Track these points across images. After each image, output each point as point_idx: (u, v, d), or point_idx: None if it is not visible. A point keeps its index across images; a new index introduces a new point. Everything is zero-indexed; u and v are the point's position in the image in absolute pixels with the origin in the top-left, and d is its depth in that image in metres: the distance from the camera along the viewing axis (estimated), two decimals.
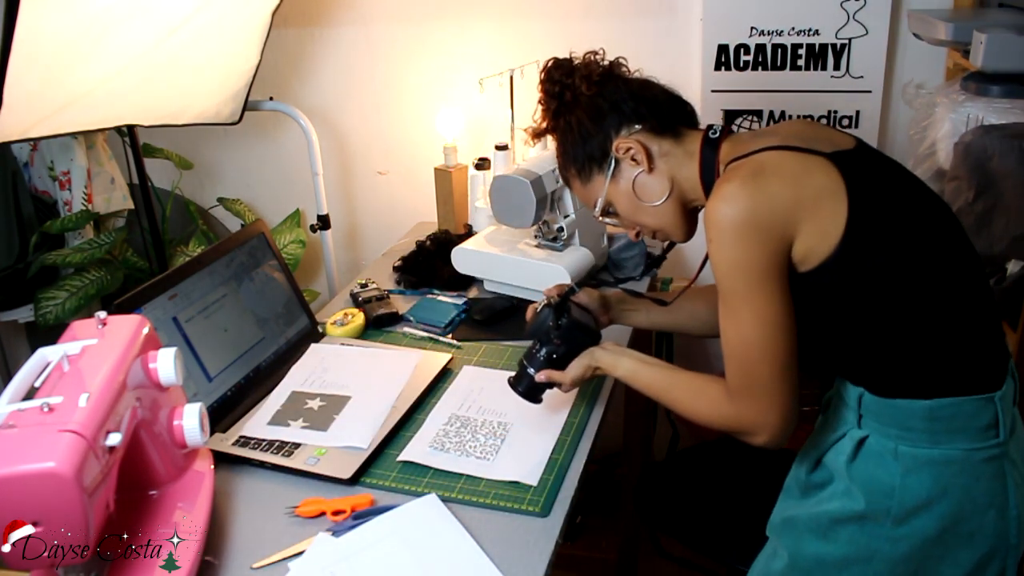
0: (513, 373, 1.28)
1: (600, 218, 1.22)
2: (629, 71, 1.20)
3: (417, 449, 1.26)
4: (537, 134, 1.25)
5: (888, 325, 1.00)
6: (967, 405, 1.01)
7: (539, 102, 1.22)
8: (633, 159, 1.14)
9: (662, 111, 1.15)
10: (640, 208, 1.17)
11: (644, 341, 1.97)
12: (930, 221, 1.03)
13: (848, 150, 1.03)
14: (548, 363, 1.22)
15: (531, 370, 1.24)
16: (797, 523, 1.14)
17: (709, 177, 1.11)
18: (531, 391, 1.25)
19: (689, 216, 1.19)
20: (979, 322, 1.03)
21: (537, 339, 1.25)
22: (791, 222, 0.97)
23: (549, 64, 1.20)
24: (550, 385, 1.24)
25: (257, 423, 1.33)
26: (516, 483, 1.18)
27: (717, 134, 1.12)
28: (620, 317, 1.38)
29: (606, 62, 1.19)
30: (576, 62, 1.19)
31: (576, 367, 1.21)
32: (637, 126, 1.14)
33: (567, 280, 1.65)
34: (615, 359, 1.19)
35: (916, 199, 1.04)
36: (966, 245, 1.06)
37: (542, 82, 1.20)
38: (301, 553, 1.06)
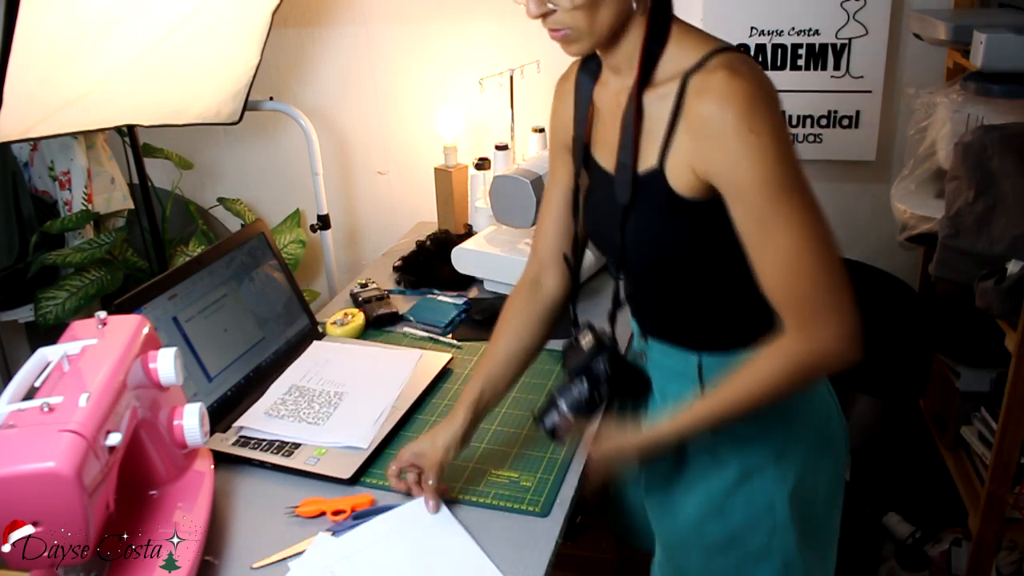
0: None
1: None
2: None
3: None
4: None
5: (745, 269, 0.93)
6: None
7: None
8: None
9: None
10: (595, 7, 0.94)
11: None
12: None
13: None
14: (581, 405, 1.09)
15: (564, 408, 1.09)
16: (688, 520, 1.10)
17: (657, 41, 0.95)
18: (555, 431, 1.11)
19: (607, 41, 0.99)
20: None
21: (582, 377, 1.10)
22: None
23: None
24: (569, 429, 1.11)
25: (254, 413, 1.33)
26: (516, 483, 1.18)
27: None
28: None
29: None
30: None
31: (604, 446, 1.07)
32: None
33: None
34: (648, 444, 1.05)
35: None
36: None
37: None
38: (301, 553, 1.06)
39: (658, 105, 0.94)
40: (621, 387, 1.11)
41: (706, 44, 0.94)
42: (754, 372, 0.95)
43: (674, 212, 0.96)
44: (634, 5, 0.95)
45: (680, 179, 0.94)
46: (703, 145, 0.90)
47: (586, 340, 1.12)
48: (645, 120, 0.96)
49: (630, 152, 0.98)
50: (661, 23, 0.96)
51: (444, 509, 1.12)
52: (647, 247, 1.01)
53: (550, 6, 0.97)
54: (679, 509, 1.13)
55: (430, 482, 1.12)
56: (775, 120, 0.88)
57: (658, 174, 0.95)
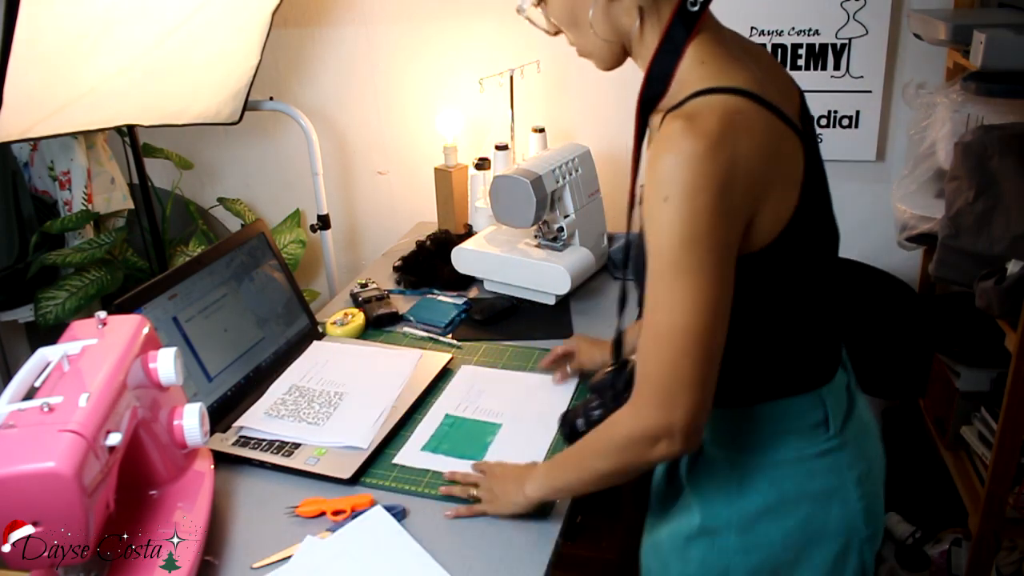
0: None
1: (524, 5, 1.01)
2: None
3: (411, 452, 1.26)
4: None
5: (737, 332, 0.89)
6: (793, 405, 0.97)
7: None
8: None
9: None
10: (578, 25, 0.96)
11: None
12: (828, 215, 0.96)
13: (803, 128, 0.92)
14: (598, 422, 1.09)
15: (580, 423, 1.13)
16: (661, 547, 1.09)
17: (669, 60, 0.91)
18: (572, 437, 1.14)
19: (622, 56, 0.99)
20: (818, 321, 0.99)
21: (600, 396, 1.13)
22: (758, 195, 0.85)
23: None
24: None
25: (254, 413, 1.34)
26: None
27: (697, 6, 0.90)
28: None
29: None
30: None
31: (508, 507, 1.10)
32: None
33: (567, 279, 1.64)
34: (532, 490, 1.08)
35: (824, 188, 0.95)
36: (835, 233, 0.99)
37: None
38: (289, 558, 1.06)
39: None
40: None
41: (702, 80, 0.88)
42: (592, 439, 0.98)
43: None
44: (633, 23, 0.93)
45: None
46: (644, 196, 0.86)
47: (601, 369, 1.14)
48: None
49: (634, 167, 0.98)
50: (675, 40, 0.90)
51: (393, 521, 1.11)
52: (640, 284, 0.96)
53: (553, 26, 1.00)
54: (657, 536, 1.11)
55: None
56: (700, 195, 0.80)
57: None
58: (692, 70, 0.90)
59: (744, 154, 0.82)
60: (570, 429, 1.14)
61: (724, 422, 0.99)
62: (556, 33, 1.02)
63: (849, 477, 0.99)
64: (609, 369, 1.12)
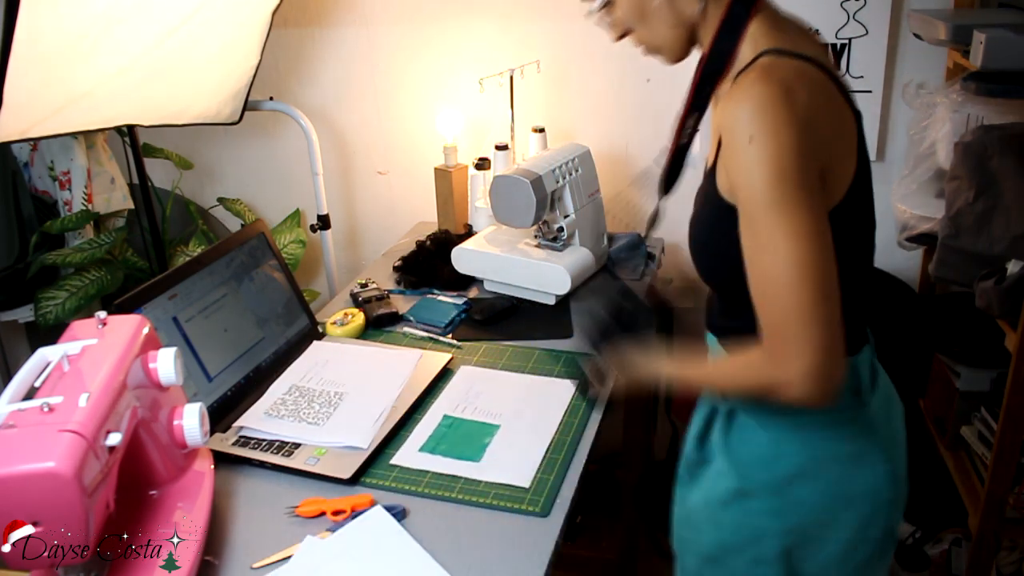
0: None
1: (590, 9, 1.06)
2: None
3: (409, 453, 1.27)
4: None
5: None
6: None
7: None
8: None
9: None
10: (646, 19, 1.00)
11: None
12: (871, 194, 0.99)
13: (858, 111, 0.96)
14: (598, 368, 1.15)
15: (587, 372, 1.16)
16: (694, 515, 1.11)
17: (730, 38, 0.95)
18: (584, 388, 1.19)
19: (689, 45, 1.02)
20: (855, 292, 0.98)
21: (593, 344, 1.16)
22: (830, 146, 0.87)
23: None
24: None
25: (254, 413, 1.34)
26: (514, 483, 1.18)
27: None
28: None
29: None
30: None
31: (617, 377, 1.10)
32: None
33: (567, 279, 1.64)
34: (656, 368, 1.05)
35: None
36: (872, 210, 1.02)
37: None
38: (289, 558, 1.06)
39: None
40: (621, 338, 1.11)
41: (770, 43, 0.92)
42: (728, 369, 0.97)
43: (714, 212, 0.95)
44: (697, 7, 0.96)
45: (722, 181, 0.94)
46: (725, 148, 0.89)
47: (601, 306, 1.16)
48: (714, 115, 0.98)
49: (679, 130, 1.02)
50: (736, 18, 0.95)
51: (393, 521, 1.11)
52: (692, 239, 1.03)
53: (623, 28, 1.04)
54: (689, 505, 1.12)
55: None
56: (784, 131, 0.82)
57: (711, 171, 0.97)
58: (759, 39, 0.94)
59: (816, 104, 0.86)
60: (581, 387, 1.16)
61: None
62: (621, 36, 1.05)
63: (875, 441, 1.01)
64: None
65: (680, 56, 1.03)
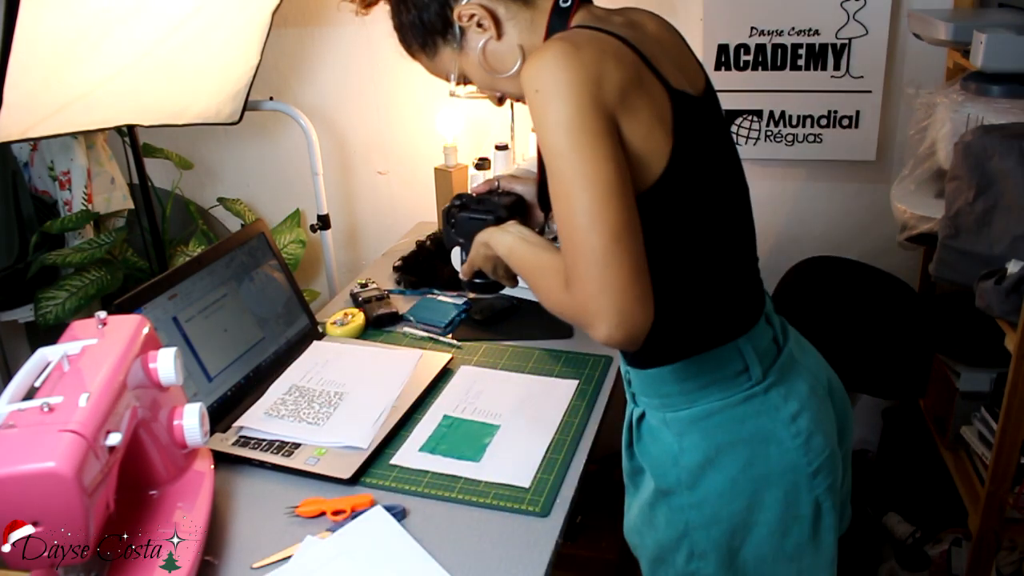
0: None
1: (455, 89, 1.12)
2: None
3: (409, 453, 1.27)
4: (366, 3, 1.13)
5: (670, 282, 0.96)
6: (709, 359, 1.01)
7: None
8: (479, 25, 1.01)
9: None
10: (494, 77, 1.04)
11: None
12: (727, 180, 1.02)
13: (693, 96, 0.98)
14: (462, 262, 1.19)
15: (459, 273, 1.20)
16: (634, 522, 1.13)
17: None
18: (484, 288, 1.19)
19: None
20: (732, 275, 1.03)
21: (450, 244, 1.21)
22: (611, 94, 0.88)
23: None
24: (478, 288, 1.19)
25: (254, 413, 1.34)
26: (514, 483, 1.18)
27: (568, 3, 0.99)
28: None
29: None
30: None
31: (474, 252, 1.12)
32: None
33: None
34: (500, 235, 1.07)
35: (724, 160, 1.02)
36: (745, 196, 1.06)
37: None
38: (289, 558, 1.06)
39: None
40: (469, 235, 1.14)
41: (577, 23, 0.97)
42: (550, 268, 0.95)
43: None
44: (519, 42, 1.01)
45: None
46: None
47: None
48: None
49: None
50: (552, 31, 0.99)
51: (393, 521, 1.11)
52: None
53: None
54: (632, 512, 1.14)
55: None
56: (565, 81, 0.85)
57: None
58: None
59: (605, 61, 0.88)
60: (467, 282, 1.18)
61: (652, 384, 1.05)
62: (501, 101, 1.11)
63: (779, 418, 1.01)
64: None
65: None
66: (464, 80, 1.09)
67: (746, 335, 1.02)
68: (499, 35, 1.01)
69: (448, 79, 1.10)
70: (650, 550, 1.10)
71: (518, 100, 1.08)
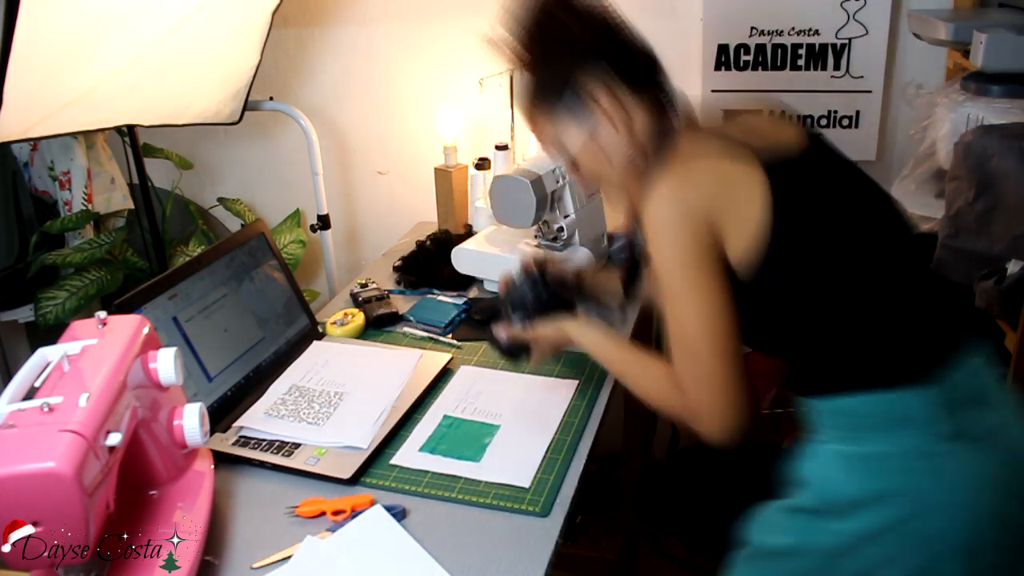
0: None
1: (556, 157, 1.21)
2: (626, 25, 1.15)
3: (409, 453, 1.26)
4: (521, 61, 1.16)
5: (805, 330, 1.05)
6: (892, 399, 1.00)
7: (524, 25, 1.14)
8: (609, 119, 1.11)
9: (650, 82, 1.13)
10: (608, 169, 1.15)
11: (646, 329, 1.97)
12: (857, 232, 1.06)
13: (792, 159, 1.06)
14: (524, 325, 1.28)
15: (501, 335, 1.28)
16: (757, 518, 1.14)
17: (658, 160, 1.10)
18: (510, 352, 1.30)
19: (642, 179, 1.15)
20: (907, 320, 1.04)
21: (512, 307, 1.27)
22: (717, 217, 1.01)
23: None
24: (514, 352, 1.29)
25: (254, 413, 1.34)
26: (514, 483, 1.19)
27: (677, 120, 1.13)
28: (593, 292, 1.42)
29: (610, 10, 1.14)
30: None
31: (543, 328, 1.26)
32: (625, 88, 1.10)
33: None
34: (580, 327, 1.24)
35: (847, 205, 1.07)
36: (901, 247, 1.08)
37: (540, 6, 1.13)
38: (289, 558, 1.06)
39: None
40: (546, 313, 1.27)
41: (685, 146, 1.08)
42: (650, 371, 1.13)
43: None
44: (614, 127, 1.11)
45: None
46: None
47: (519, 274, 1.30)
48: None
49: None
50: (659, 147, 1.11)
51: (393, 521, 1.11)
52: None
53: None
54: (764, 505, 1.14)
55: None
56: (680, 223, 1.00)
57: None
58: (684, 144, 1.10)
59: (692, 189, 1.02)
60: (502, 344, 1.28)
61: (827, 416, 1.07)
62: (593, 191, 1.25)
63: (955, 486, 0.98)
64: (518, 281, 1.29)
65: (617, 186, 1.18)
66: (571, 158, 1.17)
67: (930, 384, 1.00)
68: (621, 128, 1.11)
69: (559, 150, 1.18)
70: (754, 546, 1.11)
71: (619, 194, 1.20)
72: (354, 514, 1.12)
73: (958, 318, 1.09)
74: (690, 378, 1.05)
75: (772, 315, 1.06)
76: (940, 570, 0.98)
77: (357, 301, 1.72)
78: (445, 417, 1.35)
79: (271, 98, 2.21)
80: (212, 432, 1.27)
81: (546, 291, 1.28)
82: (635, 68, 1.12)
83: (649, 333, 1.96)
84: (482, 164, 2.04)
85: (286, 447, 1.26)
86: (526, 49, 1.14)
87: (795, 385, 1.13)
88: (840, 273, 1.03)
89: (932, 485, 0.98)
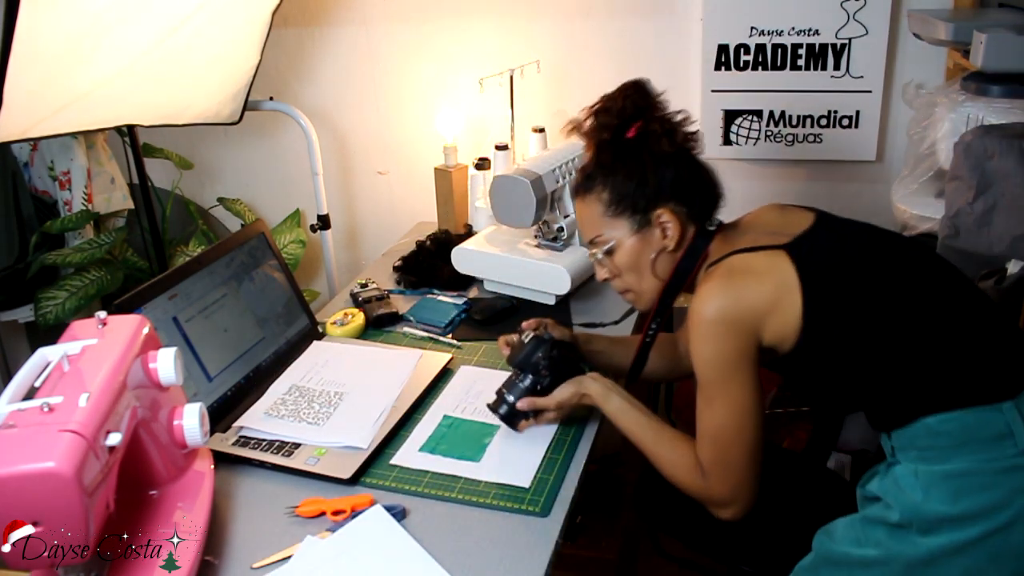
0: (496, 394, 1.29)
1: (592, 250, 1.24)
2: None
3: (409, 453, 1.27)
4: (597, 143, 1.20)
5: (870, 374, 1.09)
6: (967, 417, 1.02)
7: (607, 108, 1.18)
8: (664, 233, 1.18)
9: (709, 202, 1.20)
10: (639, 271, 1.21)
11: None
12: (887, 276, 1.10)
13: (804, 232, 1.12)
14: (531, 393, 1.26)
15: (511, 398, 1.25)
16: (835, 529, 1.15)
17: (688, 265, 1.19)
18: (509, 417, 1.27)
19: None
20: (967, 341, 1.07)
21: (521, 369, 1.26)
22: (758, 317, 1.07)
23: (635, 84, 1.20)
24: (525, 416, 1.27)
25: (254, 413, 1.34)
26: (514, 483, 1.19)
27: (714, 227, 1.20)
28: (586, 357, 1.41)
29: (684, 127, 1.19)
30: (655, 100, 1.19)
31: (563, 392, 1.25)
32: (685, 208, 1.18)
33: (567, 279, 1.65)
34: (605, 392, 1.24)
35: (870, 260, 1.12)
36: (939, 276, 1.12)
37: (631, 95, 1.18)
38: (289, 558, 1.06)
39: None
40: (560, 374, 1.26)
41: (732, 244, 1.15)
42: (676, 450, 1.17)
43: (777, 365, 1.16)
44: (665, 244, 1.18)
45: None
46: None
47: (526, 335, 1.29)
48: None
49: (644, 330, 1.32)
50: (696, 249, 1.18)
51: (393, 521, 1.11)
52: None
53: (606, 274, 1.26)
54: (846, 517, 1.15)
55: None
56: (723, 323, 1.06)
57: None
58: (723, 245, 1.17)
59: (736, 291, 1.08)
60: (508, 408, 1.25)
61: (909, 438, 1.08)
62: (609, 279, 1.26)
63: None
64: (526, 341, 1.28)
65: (654, 303, 1.23)
66: (607, 251, 1.21)
67: (1014, 400, 1.02)
68: (675, 248, 1.18)
69: (598, 240, 1.22)
70: (833, 553, 1.12)
71: (626, 292, 1.26)
72: (354, 514, 1.12)
73: (1020, 332, 1.12)
74: (713, 466, 1.11)
75: (831, 374, 1.11)
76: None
77: (357, 301, 1.72)
78: (445, 417, 1.35)
79: (271, 98, 2.21)
80: (212, 432, 1.27)
81: (559, 353, 1.27)
82: (703, 206, 1.19)
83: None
84: (482, 164, 2.04)
85: (286, 447, 1.26)
86: (613, 164, 1.18)
87: (874, 423, 1.16)
88: (885, 317, 1.07)
89: (1015, 500, 1.00)
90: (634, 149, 1.17)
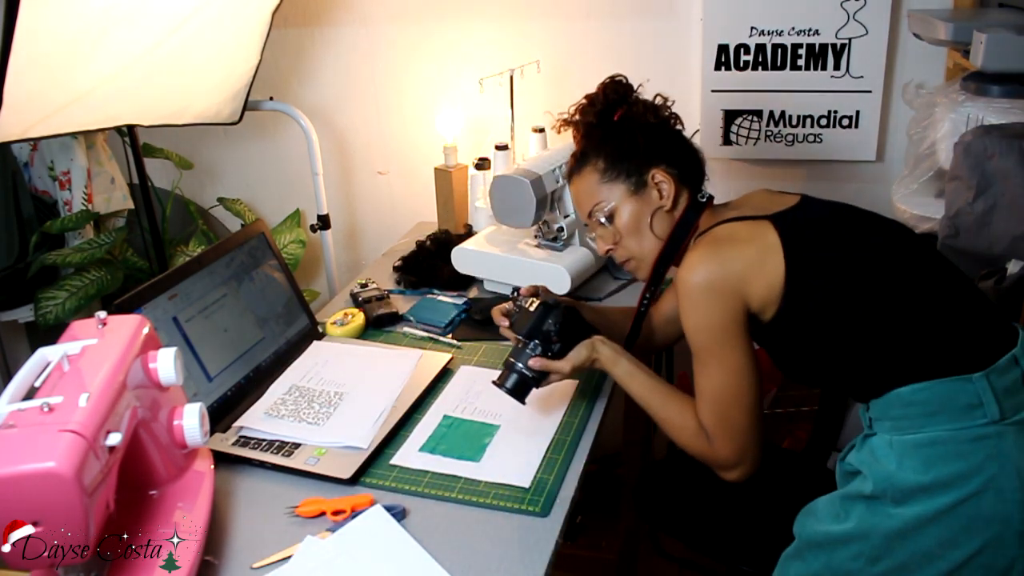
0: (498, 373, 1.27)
1: (591, 221, 1.28)
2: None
3: (409, 453, 1.27)
4: (584, 128, 1.29)
5: (848, 343, 1.11)
6: (939, 387, 1.05)
7: (591, 100, 1.29)
8: (660, 192, 1.24)
9: (696, 169, 1.28)
10: (640, 232, 1.25)
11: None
12: (866, 249, 1.14)
13: (789, 208, 1.17)
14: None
15: (520, 365, 1.23)
16: (816, 508, 1.18)
17: (681, 234, 1.25)
18: (520, 388, 1.24)
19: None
20: (940, 314, 1.10)
21: (530, 337, 1.25)
22: (744, 281, 1.11)
23: (612, 79, 1.31)
24: (536, 383, 1.25)
25: (254, 413, 1.34)
26: (514, 483, 1.18)
27: (704, 199, 1.26)
28: None
29: (666, 107, 1.29)
30: (634, 89, 1.30)
31: (576, 354, 1.25)
32: (675, 169, 1.25)
33: (567, 279, 1.64)
34: (615, 356, 1.26)
35: (850, 233, 1.16)
36: (915, 252, 1.15)
37: (609, 86, 1.29)
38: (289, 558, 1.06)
39: None
40: (569, 340, 1.25)
41: (719, 215, 1.22)
42: (684, 413, 1.19)
43: (758, 335, 1.19)
44: (662, 204, 1.24)
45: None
46: None
47: (530, 302, 1.28)
48: None
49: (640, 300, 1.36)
50: (687, 221, 1.24)
51: (393, 521, 1.11)
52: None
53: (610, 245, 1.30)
54: (823, 497, 1.18)
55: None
56: (711, 289, 1.11)
57: None
58: (711, 216, 1.24)
59: (722, 257, 1.12)
60: (519, 378, 1.24)
61: (885, 407, 1.10)
62: (610, 250, 1.29)
63: (1007, 466, 1.02)
64: (532, 309, 1.26)
65: (652, 270, 1.28)
66: (607, 218, 1.26)
67: (984, 371, 1.04)
68: (671, 208, 1.24)
69: (597, 209, 1.27)
70: (817, 535, 1.14)
71: (627, 262, 1.30)
72: (354, 514, 1.12)
73: (995, 308, 1.15)
74: (716, 429, 1.15)
75: (811, 343, 1.13)
76: (1002, 551, 1.02)
77: (357, 301, 1.72)
78: (445, 417, 1.35)
79: (271, 98, 2.21)
80: (212, 432, 1.27)
81: (569, 319, 1.26)
82: (692, 170, 1.27)
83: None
84: (482, 164, 2.04)
85: (286, 447, 1.26)
86: (603, 139, 1.27)
87: (852, 394, 1.19)
88: (863, 287, 1.10)
89: (986, 467, 1.02)
90: (622, 126, 1.26)
